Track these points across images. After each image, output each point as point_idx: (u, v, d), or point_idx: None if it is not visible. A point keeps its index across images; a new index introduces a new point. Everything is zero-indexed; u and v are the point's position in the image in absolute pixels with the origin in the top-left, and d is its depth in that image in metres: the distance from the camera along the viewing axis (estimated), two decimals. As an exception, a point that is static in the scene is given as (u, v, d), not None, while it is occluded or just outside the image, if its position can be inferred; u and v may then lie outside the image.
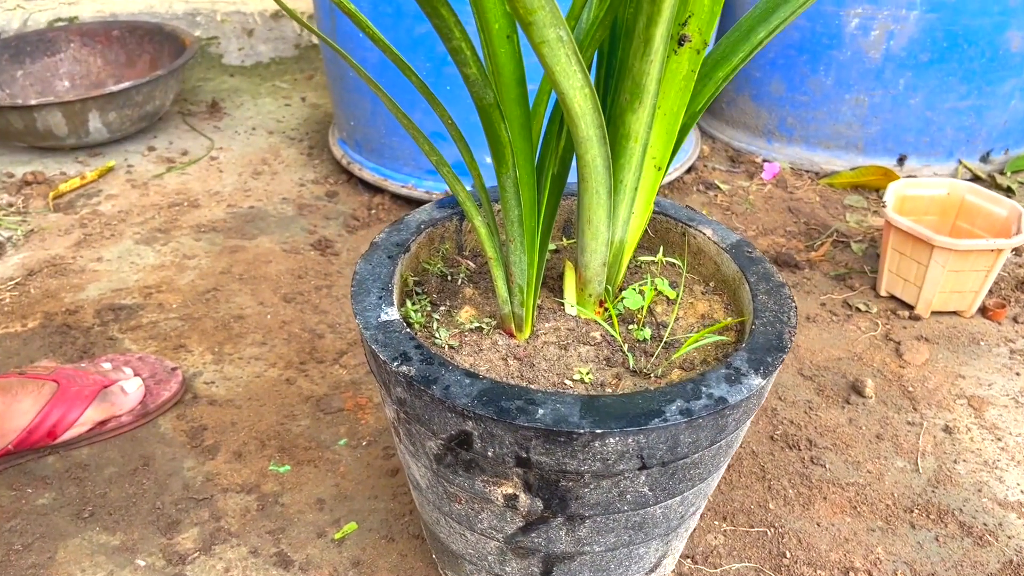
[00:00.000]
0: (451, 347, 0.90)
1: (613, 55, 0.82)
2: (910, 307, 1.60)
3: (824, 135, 2.06)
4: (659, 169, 0.89)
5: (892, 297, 1.64)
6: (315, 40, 2.77)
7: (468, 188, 1.00)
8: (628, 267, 1.03)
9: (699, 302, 0.98)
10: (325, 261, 1.73)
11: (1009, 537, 1.15)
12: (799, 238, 1.82)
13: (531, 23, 0.62)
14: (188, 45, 2.23)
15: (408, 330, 0.84)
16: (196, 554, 1.11)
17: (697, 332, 0.93)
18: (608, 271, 0.93)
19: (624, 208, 0.89)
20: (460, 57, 0.68)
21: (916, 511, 1.19)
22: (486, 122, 0.74)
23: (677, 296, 0.98)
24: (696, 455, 0.81)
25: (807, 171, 2.09)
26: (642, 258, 1.00)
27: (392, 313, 0.86)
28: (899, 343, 1.51)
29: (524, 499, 0.83)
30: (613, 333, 0.90)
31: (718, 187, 2.03)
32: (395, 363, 0.80)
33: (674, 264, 1.05)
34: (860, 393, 1.39)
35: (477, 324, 0.93)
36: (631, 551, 0.92)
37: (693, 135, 2.14)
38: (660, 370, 0.87)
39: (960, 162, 2.04)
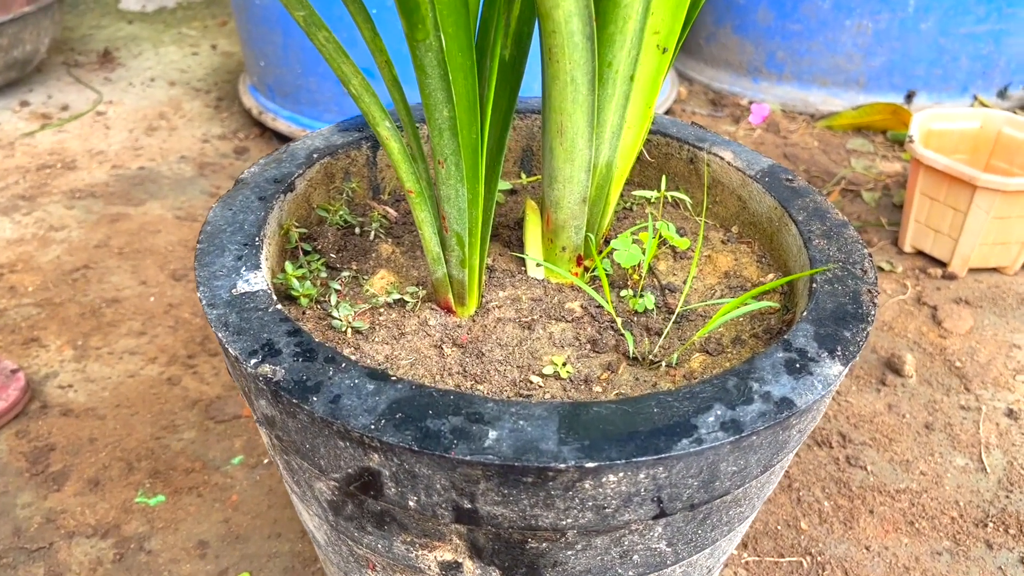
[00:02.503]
0: (357, 331, 0.59)
1: None
2: (942, 264, 1.33)
3: (820, 70, 1.77)
4: (664, 51, 0.59)
5: (919, 253, 1.36)
6: (228, -19, 2.41)
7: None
8: (617, 207, 0.73)
9: (720, 255, 0.68)
10: (228, 229, 1.39)
11: (1116, 556, 0.88)
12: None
13: None
14: (68, -20, 1.87)
15: (278, 307, 0.53)
16: (18, 633, 0.79)
17: (719, 297, 0.63)
18: (590, 211, 0.63)
19: (614, 110, 0.59)
20: None
21: (991, 525, 0.91)
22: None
23: (695, 248, 0.68)
24: (740, 489, 0.52)
25: (801, 113, 1.81)
26: (636, 193, 0.70)
27: (256, 281, 0.55)
28: (935, 308, 1.23)
29: (471, 568, 0.52)
30: (601, 302, 0.60)
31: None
32: (253, 360, 0.49)
33: (679, 204, 0.75)
34: (897, 372, 1.11)
35: (398, 296, 0.62)
36: (635, 626, 0.62)
37: (668, 76, 1.83)
38: (675, 356, 0.57)
39: (976, 98, 1.77)
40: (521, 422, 0.45)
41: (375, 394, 0.47)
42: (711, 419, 0.46)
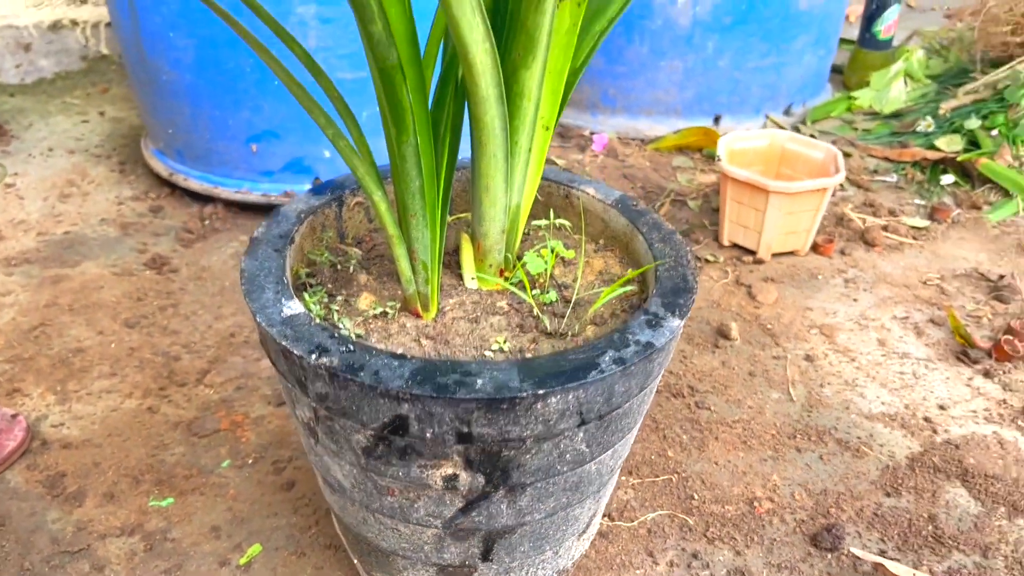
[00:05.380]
0: (359, 336, 0.85)
1: (499, 13, 0.80)
2: (752, 252, 1.70)
3: (645, 103, 2.14)
4: (547, 129, 0.89)
5: (735, 245, 1.73)
6: (105, 50, 2.55)
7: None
8: (523, 235, 1.02)
9: (594, 259, 0.99)
10: (164, 280, 1.60)
11: (881, 445, 1.25)
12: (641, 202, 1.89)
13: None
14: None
15: (317, 321, 0.79)
16: (84, 611, 0.99)
17: (598, 288, 0.94)
18: (507, 238, 0.92)
19: (520, 171, 0.88)
20: (366, 14, 0.64)
21: (798, 436, 1.27)
22: (387, 86, 0.71)
23: (579, 256, 0.98)
24: (627, 403, 0.82)
25: (634, 139, 2.17)
26: (534, 223, 1.00)
27: (295, 307, 0.81)
28: (750, 286, 1.60)
29: (465, 477, 0.80)
30: (525, 297, 0.89)
31: (553, 162, 2.06)
32: (313, 356, 0.74)
33: (562, 227, 1.05)
34: (727, 336, 1.46)
35: (381, 309, 0.89)
36: (568, 514, 0.91)
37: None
38: (577, 327, 0.87)
39: (767, 117, 2.19)
40: (496, 372, 0.74)
41: (400, 367, 0.74)
42: (607, 358, 0.76)
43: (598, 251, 1.01)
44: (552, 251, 0.95)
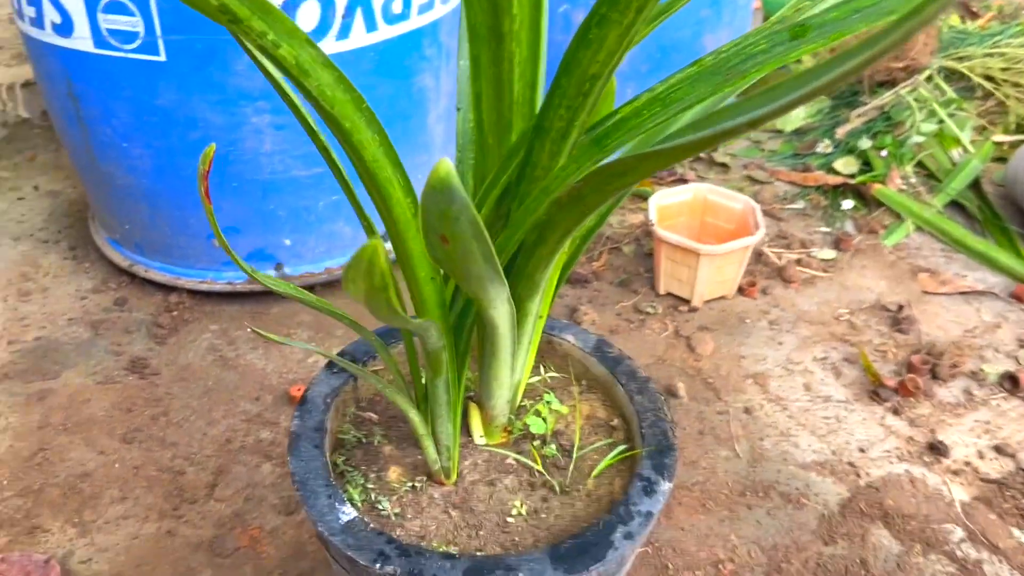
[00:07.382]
0: (396, 515, 1.00)
1: (511, 262, 0.93)
2: (686, 300, 1.89)
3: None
4: (541, 318, 1.04)
5: (669, 294, 1.92)
6: (24, 113, 2.51)
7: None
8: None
9: (581, 404, 1.15)
10: (148, 385, 1.68)
11: (816, 495, 1.47)
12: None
13: (487, 306, 0.74)
14: None
15: (373, 525, 0.93)
16: None
17: (589, 435, 1.10)
18: (509, 405, 1.07)
19: (522, 359, 1.03)
20: (428, 337, 0.77)
21: (747, 493, 1.48)
22: (433, 359, 0.84)
23: (574, 415, 1.14)
24: (632, 554, 0.99)
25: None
26: (530, 381, 1.15)
27: (349, 511, 0.94)
28: (688, 337, 1.79)
29: (506, 635, 0.97)
30: (534, 466, 1.05)
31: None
32: (377, 565, 0.89)
33: (554, 375, 1.20)
34: (675, 395, 1.66)
35: (411, 484, 1.03)
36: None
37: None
38: (580, 485, 1.03)
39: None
40: (532, 564, 0.90)
41: (452, 569, 0.89)
42: (619, 534, 0.93)
43: (583, 393, 1.17)
44: (548, 406, 1.11)
